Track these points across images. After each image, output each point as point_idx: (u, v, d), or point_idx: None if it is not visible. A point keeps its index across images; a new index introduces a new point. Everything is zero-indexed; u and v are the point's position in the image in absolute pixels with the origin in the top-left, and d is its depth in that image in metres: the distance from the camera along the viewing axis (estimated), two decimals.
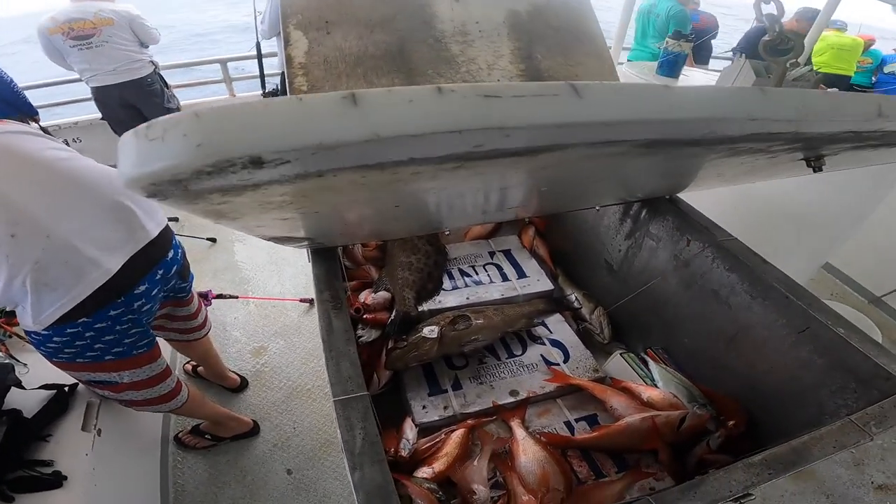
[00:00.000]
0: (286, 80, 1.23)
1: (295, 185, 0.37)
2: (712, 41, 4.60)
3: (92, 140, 3.56)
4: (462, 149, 0.35)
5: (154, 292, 1.37)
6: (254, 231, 0.71)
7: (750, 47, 3.88)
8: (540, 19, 1.55)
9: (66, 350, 1.23)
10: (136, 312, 1.31)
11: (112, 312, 1.24)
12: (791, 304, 0.99)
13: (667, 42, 2.79)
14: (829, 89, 3.63)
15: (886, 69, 4.20)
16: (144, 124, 0.31)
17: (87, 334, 1.23)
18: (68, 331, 1.20)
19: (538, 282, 1.57)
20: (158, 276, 1.37)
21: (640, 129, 0.38)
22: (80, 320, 1.19)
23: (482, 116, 0.32)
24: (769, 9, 0.84)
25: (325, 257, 1.08)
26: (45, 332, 1.19)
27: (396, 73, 1.32)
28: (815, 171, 0.62)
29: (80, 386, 1.47)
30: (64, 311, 1.15)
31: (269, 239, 0.86)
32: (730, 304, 1.13)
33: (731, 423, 1.07)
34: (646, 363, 1.32)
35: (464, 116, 0.32)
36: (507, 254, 1.70)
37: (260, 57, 3.16)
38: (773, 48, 0.85)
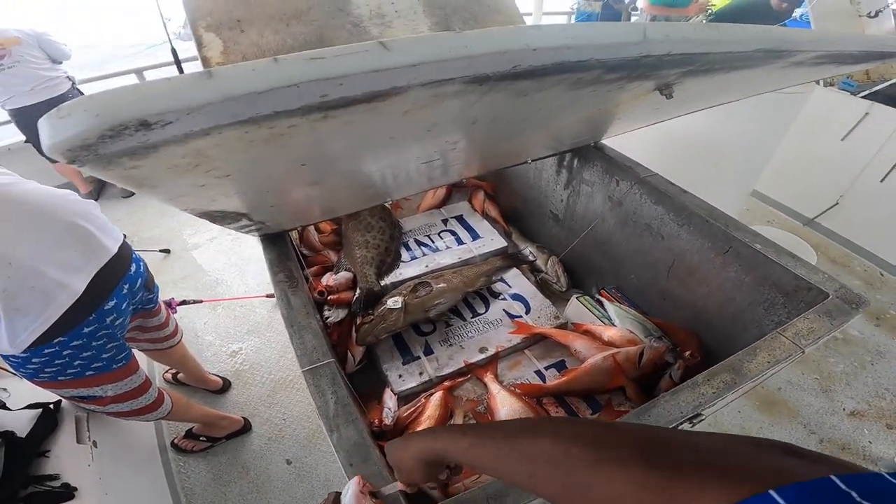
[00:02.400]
0: None
1: (188, 144, 0.45)
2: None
3: (17, 166, 3.37)
4: (311, 99, 0.43)
5: (123, 306, 1.38)
6: (181, 203, 0.74)
7: None
8: None
9: (47, 370, 1.24)
10: (110, 327, 1.32)
11: (86, 330, 1.25)
12: (712, 227, 1.08)
13: (577, 3, 2.88)
14: None
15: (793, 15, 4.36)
16: (55, 108, 0.38)
17: (66, 352, 1.24)
18: (46, 351, 1.20)
19: (492, 241, 1.64)
20: (125, 291, 1.38)
21: (444, 67, 0.45)
22: (55, 340, 1.20)
23: (310, 71, 0.40)
24: None
25: (275, 242, 1.11)
26: (24, 355, 1.19)
27: None
28: (668, 98, 0.69)
29: (65, 402, 1.48)
30: (38, 335, 1.16)
31: (201, 215, 0.87)
32: (662, 234, 1.22)
33: (688, 353, 1.13)
34: (602, 304, 1.40)
35: (297, 74, 0.40)
36: (460, 219, 1.75)
37: (178, 63, 3.05)
38: None
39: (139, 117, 0.37)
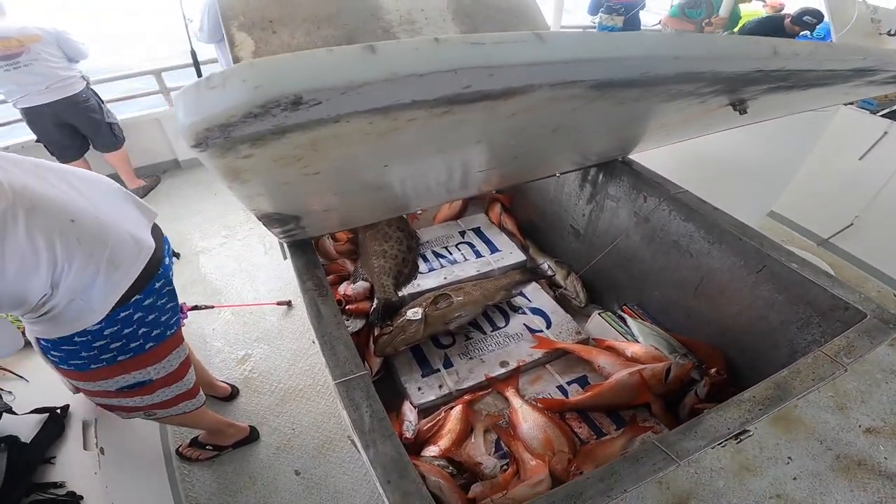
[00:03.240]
0: None
1: (313, 132, 0.44)
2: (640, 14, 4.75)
3: None
4: (454, 90, 0.42)
5: (170, 266, 1.40)
6: (253, 202, 0.75)
7: None
8: (482, 2, 1.58)
9: (113, 346, 1.21)
10: (170, 282, 1.34)
11: (156, 285, 1.26)
12: (745, 245, 1.06)
13: (600, 17, 2.89)
14: None
15: (802, 32, 4.42)
16: (203, 77, 0.36)
17: (136, 316, 1.23)
18: (121, 314, 1.19)
19: (511, 254, 1.62)
20: (167, 249, 1.40)
21: (590, 67, 0.45)
22: (132, 299, 1.20)
23: (471, 57, 0.39)
24: None
25: (303, 249, 1.10)
26: (96, 327, 1.16)
27: None
28: (741, 114, 0.69)
29: (73, 406, 1.45)
30: (129, 285, 1.16)
31: (262, 216, 0.89)
32: (691, 252, 1.20)
33: (714, 370, 1.11)
34: (624, 320, 1.38)
35: (457, 57, 0.39)
36: (477, 231, 1.74)
37: (197, 64, 3.06)
38: (688, 10, 0.91)
39: (296, 92, 0.36)
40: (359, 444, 0.71)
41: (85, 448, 1.39)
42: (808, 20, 3.82)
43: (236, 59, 1.23)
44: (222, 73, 0.36)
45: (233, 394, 2.09)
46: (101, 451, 1.41)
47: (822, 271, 0.99)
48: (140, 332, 1.26)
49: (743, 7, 4.38)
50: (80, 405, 1.45)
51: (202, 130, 0.37)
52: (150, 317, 1.27)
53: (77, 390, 1.39)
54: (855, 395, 2.17)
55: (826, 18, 3.23)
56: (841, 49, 0.52)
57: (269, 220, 0.92)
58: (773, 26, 4.12)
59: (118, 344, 1.22)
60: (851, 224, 2.90)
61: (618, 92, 0.51)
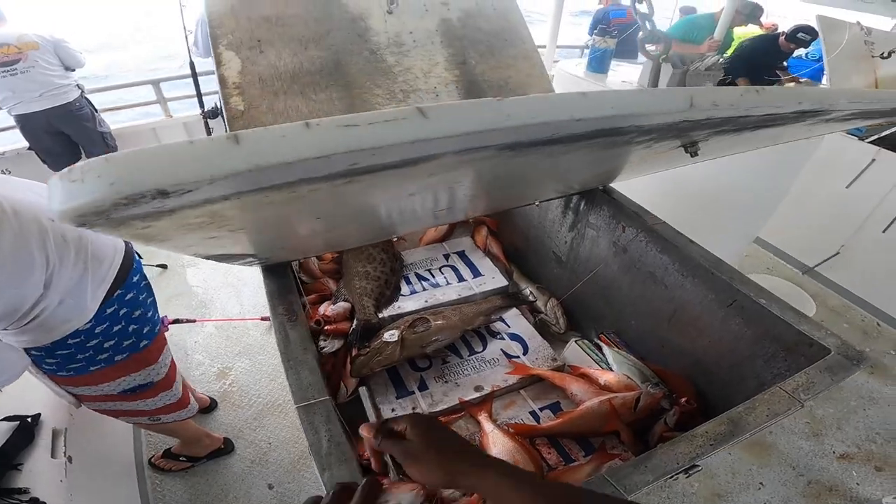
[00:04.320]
0: (222, 101, 1.23)
1: (205, 208, 0.42)
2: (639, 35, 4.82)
3: (21, 171, 3.38)
4: (341, 167, 0.41)
5: (139, 257, 1.42)
6: (188, 251, 0.73)
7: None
8: (471, 25, 1.60)
9: (106, 344, 1.23)
10: (145, 276, 1.36)
11: (134, 279, 1.27)
12: (717, 280, 1.07)
13: (593, 39, 2.91)
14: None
15: (795, 53, 4.49)
16: (66, 169, 0.35)
17: (122, 311, 1.24)
18: (108, 311, 1.20)
19: (493, 279, 1.62)
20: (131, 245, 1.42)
21: (483, 138, 0.44)
22: (115, 294, 1.21)
23: (344, 142, 0.38)
24: (643, 7, 0.91)
25: (278, 273, 1.10)
26: (87, 326, 1.17)
27: (334, 87, 1.34)
28: (692, 157, 0.69)
29: (45, 415, 1.45)
30: (114, 278, 1.18)
31: (208, 258, 0.88)
32: (665, 283, 1.21)
33: (684, 399, 1.13)
34: (600, 348, 1.38)
35: (329, 143, 0.38)
36: (462, 255, 1.74)
37: (195, 75, 3.08)
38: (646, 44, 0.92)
39: (157, 187, 0.35)
40: (316, 467, 0.72)
41: (53, 456, 1.39)
42: (802, 37, 3.89)
43: (222, 79, 1.24)
44: (81, 168, 0.35)
45: (211, 406, 2.09)
46: (70, 459, 1.42)
47: (789, 307, 1.00)
48: (130, 328, 1.29)
49: (739, 29, 4.47)
50: (51, 414, 1.46)
51: (76, 217, 0.36)
52: (136, 312, 1.30)
53: (80, 403, 1.41)
54: (830, 422, 2.19)
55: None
56: (771, 94, 0.50)
57: (217, 259, 0.90)
58: (767, 45, 4.21)
59: (111, 342, 1.25)
60: (837, 253, 2.92)
61: (537, 150, 0.51)
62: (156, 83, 3.74)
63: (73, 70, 3.26)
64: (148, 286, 1.37)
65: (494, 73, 1.56)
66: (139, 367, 1.35)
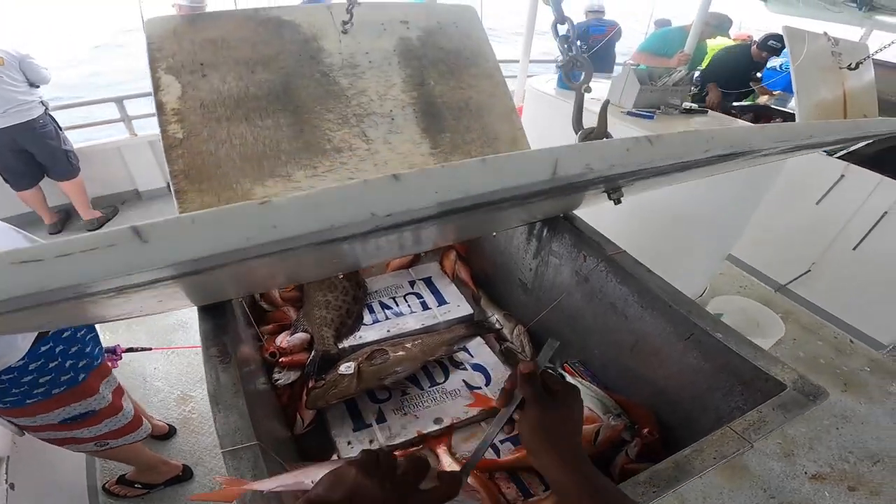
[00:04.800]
0: (159, 129, 1.16)
1: (132, 293, 0.40)
2: (616, 47, 4.82)
3: None
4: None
5: None
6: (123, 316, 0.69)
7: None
8: (431, 43, 1.55)
9: (42, 380, 1.21)
10: None
11: None
12: (674, 313, 1.04)
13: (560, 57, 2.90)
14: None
15: (769, 64, 4.55)
16: None
17: (59, 349, 1.23)
18: (42, 349, 1.19)
19: (458, 307, 1.57)
20: None
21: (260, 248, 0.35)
22: (50, 333, 1.21)
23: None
24: (563, 30, 0.87)
25: (213, 313, 1.04)
26: (20, 363, 1.15)
27: (282, 113, 1.28)
28: (616, 203, 0.65)
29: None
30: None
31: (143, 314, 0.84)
32: (626, 314, 1.17)
33: (645, 430, 1.11)
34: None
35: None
36: (428, 281, 1.69)
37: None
38: (567, 73, 0.88)
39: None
40: None
41: None
42: (773, 44, 4.00)
43: (160, 105, 1.18)
44: None
45: (169, 433, 2.04)
46: (11, 486, 1.38)
47: (746, 341, 0.97)
48: (67, 364, 1.27)
49: (712, 41, 4.52)
50: None
51: None
52: (73, 348, 1.30)
53: (22, 432, 1.38)
54: (803, 442, 2.17)
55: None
56: (667, 144, 0.42)
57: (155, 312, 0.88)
58: (739, 55, 4.28)
59: (48, 377, 1.23)
60: (809, 270, 2.93)
61: (451, 216, 0.45)
62: (119, 101, 3.65)
63: (38, 87, 3.17)
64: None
65: (454, 93, 1.52)
66: (78, 398, 1.33)
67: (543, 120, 2.89)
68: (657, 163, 0.41)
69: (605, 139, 0.71)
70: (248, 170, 1.21)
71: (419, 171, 0.31)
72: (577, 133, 0.75)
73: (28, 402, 1.22)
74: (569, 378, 1.32)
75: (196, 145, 1.16)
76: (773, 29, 4.12)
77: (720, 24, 4.03)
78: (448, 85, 1.51)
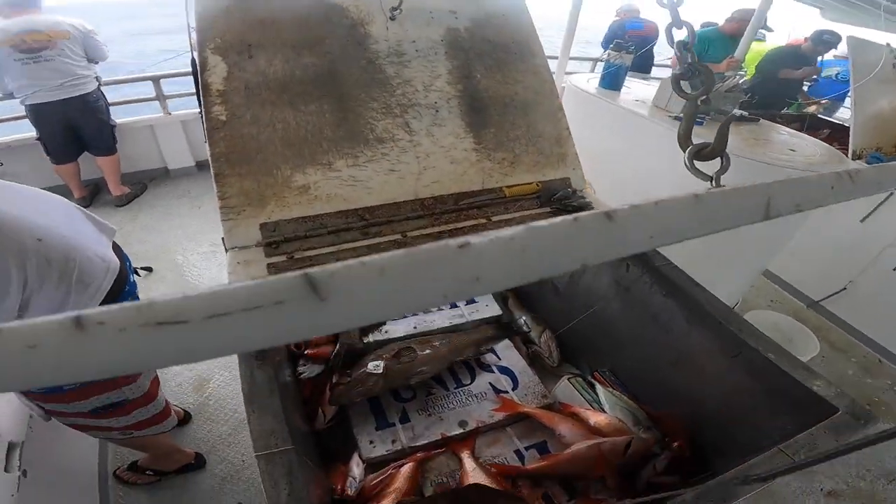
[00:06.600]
0: (203, 110, 1.15)
1: None
2: (654, 49, 4.67)
3: (14, 163, 3.33)
4: None
5: (133, 280, 1.38)
6: None
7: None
8: (479, 35, 1.52)
9: None
10: (137, 298, 1.33)
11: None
12: (724, 330, 1.00)
13: (608, 54, 2.80)
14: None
15: (824, 73, 4.36)
16: None
17: None
18: None
19: (487, 307, 1.54)
20: (129, 266, 1.38)
21: None
22: None
23: None
24: (681, 35, 0.81)
25: None
26: None
27: (326, 98, 1.26)
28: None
29: (0, 427, 1.39)
30: (99, 303, 1.14)
31: None
32: (668, 328, 1.13)
33: (676, 444, 1.07)
34: (593, 386, 1.30)
35: None
36: None
37: (196, 73, 3.03)
38: (682, 82, 0.82)
39: None
40: None
41: (6, 470, 1.32)
42: (829, 38, 3.80)
43: (205, 86, 1.16)
44: None
45: (185, 419, 2.01)
46: (24, 473, 1.35)
47: (799, 363, 0.94)
48: None
49: (756, 45, 4.34)
50: (8, 426, 1.38)
51: None
52: None
53: (49, 417, 1.35)
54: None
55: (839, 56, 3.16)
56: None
57: None
58: (790, 55, 4.10)
59: None
60: (844, 289, 2.83)
61: None
62: (156, 79, 3.68)
63: (96, 63, 3.23)
64: None
65: (500, 88, 1.48)
66: (118, 386, 1.31)
67: (581, 120, 2.82)
68: (852, 198, 0.36)
69: (725, 156, 0.65)
70: (289, 156, 1.19)
71: (632, 210, 0.26)
72: (684, 149, 0.69)
73: (66, 388, 1.20)
74: (598, 387, 1.29)
75: (238, 128, 1.15)
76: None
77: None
78: (494, 79, 1.47)
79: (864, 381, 2.64)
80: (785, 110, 4.18)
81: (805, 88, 4.34)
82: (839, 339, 2.89)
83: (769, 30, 4.34)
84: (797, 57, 4.06)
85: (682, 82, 0.81)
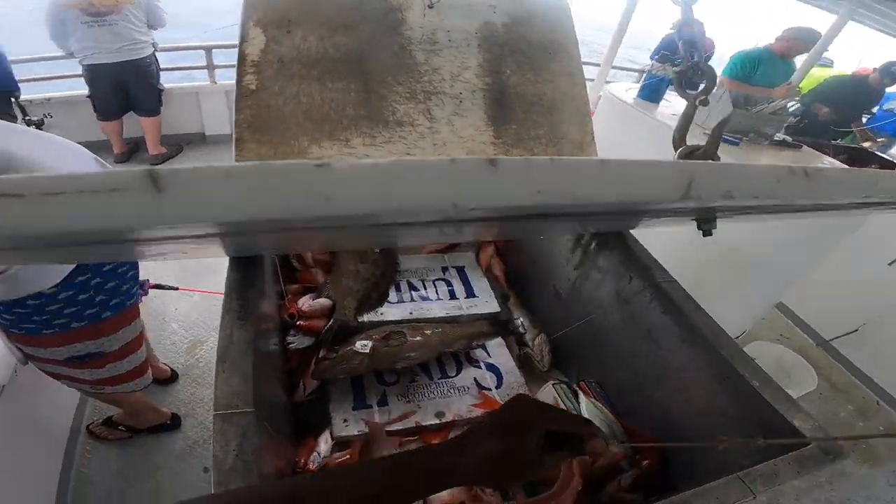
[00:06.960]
0: (235, 78, 1.19)
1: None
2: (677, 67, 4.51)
3: (62, 116, 3.50)
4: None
5: None
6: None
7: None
8: (516, 32, 1.51)
9: (67, 311, 1.18)
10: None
11: None
12: (715, 353, 0.98)
13: (651, 65, 2.74)
14: None
15: (886, 106, 4.12)
16: None
17: (94, 281, 1.20)
18: (78, 279, 1.16)
19: (486, 303, 1.54)
20: None
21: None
22: (93, 263, 1.18)
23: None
24: (689, 31, 0.79)
25: (244, 263, 1.04)
26: (52, 290, 1.13)
27: (353, 78, 1.28)
28: (704, 235, 0.59)
29: None
30: None
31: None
32: (661, 345, 1.12)
33: (646, 462, 1.07)
34: (576, 395, 1.29)
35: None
36: (460, 270, 1.66)
37: None
38: (685, 80, 0.81)
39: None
40: (212, 479, 0.65)
41: None
42: None
43: (241, 56, 1.20)
44: None
45: (170, 378, 2.02)
46: None
47: (784, 394, 0.92)
48: (97, 299, 1.23)
49: (818, 70, 4.12)
50: None
51: None
52: (110, 284, 1.24)
53: (26, 361, 1.36)
54: (789, 492, 2.09)
55: None
56: (828, 181, 0.35)
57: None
58: (855, 86, 3.88)
59: (73, 310, 1.19)
60: (856, 330, 2.73)
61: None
62: (208, 49, 3.81)
63: (155, 29, 3.37)
64: (134, 262, 1.32)
65: (529, 87, 1.47)
66: (95, 336, 1.29)
67: (616, 130, 2.77)
68: (802, 199, 0.35)
69: (714, 161, 0.65)
70: (308, 128, 1.22)
71: (522, 162, 0.26)
72: (676, 149, 0.69)
73: (45, 332, 1.19)
74: (581, 396, 1.27)
75: (265, 98, 1.18)
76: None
77: (808, 36, 3.44)
78: (524, 77, 1.47)
79: (856, 423, 2.59)
80: (838, 141, 3.96)
81: (864, 120, 4.14)
82: (841, 380, 2.82)
83: (829, 63, 4.15)
84: (860, 87, 3.87)
85: (688, 81, 0.80)
